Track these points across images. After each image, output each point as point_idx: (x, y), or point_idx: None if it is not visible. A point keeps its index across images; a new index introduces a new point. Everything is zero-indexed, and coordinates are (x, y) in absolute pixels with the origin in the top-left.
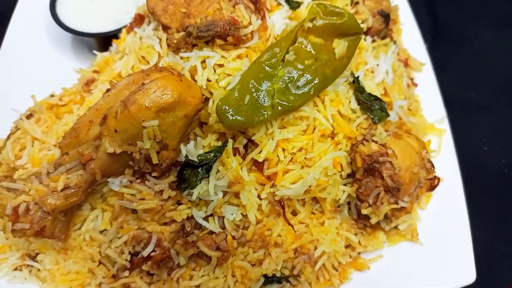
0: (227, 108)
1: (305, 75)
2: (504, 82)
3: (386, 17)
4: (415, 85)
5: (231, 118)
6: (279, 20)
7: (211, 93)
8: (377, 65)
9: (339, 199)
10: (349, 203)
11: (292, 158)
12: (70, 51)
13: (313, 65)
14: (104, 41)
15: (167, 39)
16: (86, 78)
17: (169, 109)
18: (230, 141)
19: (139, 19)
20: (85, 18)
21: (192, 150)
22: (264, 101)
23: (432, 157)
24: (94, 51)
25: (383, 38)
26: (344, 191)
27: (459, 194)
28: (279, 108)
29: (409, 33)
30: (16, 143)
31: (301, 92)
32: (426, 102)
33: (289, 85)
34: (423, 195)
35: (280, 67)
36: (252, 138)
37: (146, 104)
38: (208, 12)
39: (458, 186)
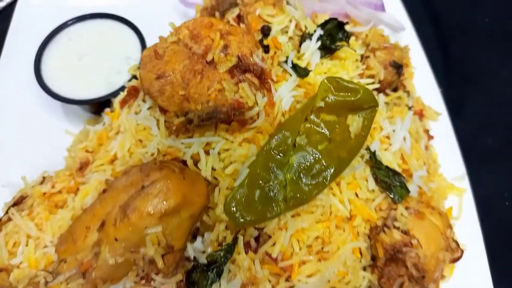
0: (236, 208)
1: (319, 162)
2: None
3: (398, 68)
4: (431, 137)
5: (241, 219)
6: (287, 93)
7: (216, 178)
8: (393, 130)
9: (360, 285)
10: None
11: (307, 249)
12: (61, 110)
13: (326, 149)
14: (97, 103)
15: (165, 121)
16: (79, 160)
17: (173, 213)
18: (241, 238)
19: (133, 92)
20: (74, 81)
21: (199, 248)
22: (276, 195)
23: (454, 224)
24: (87, 126)
25: (395, 89)
26: (364, 277)
27: (483, 261)
28: (292, 202)
29: (422, 76)
30: (9, 237)
31: (315, 181)
32: (443, 157)
33: (301, 174)
34: (446, 267)
35: (291, 153)
36: (264, 231)
37: (148, 211)
38: (209, 96)
39: (481, 253)
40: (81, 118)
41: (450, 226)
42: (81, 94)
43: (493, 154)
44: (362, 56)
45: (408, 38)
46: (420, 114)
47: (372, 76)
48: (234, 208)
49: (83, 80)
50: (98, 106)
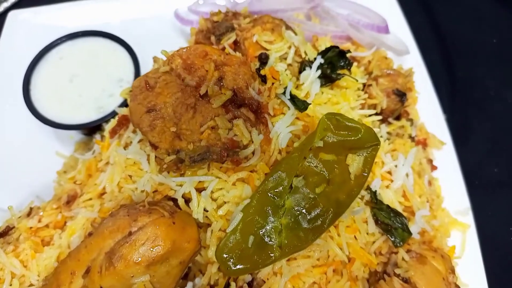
0: (228, 256)
1: (316, 206)
2: None
3: (402, 96)
4: (435, 168)
5: (233, 268)
6: (284, 129)
7: (207, 217)
8: (395, 166)
9: None
10: None
11: None
12: (51, 131)
13: (325, 192)
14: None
15: (156, 156)
16: (66, 194)
17: (162, 260)
18: (233, 285)
19: (123, 122)
20: (64, 103)
21: None
22: (270, 240)
23: (457, 264)
24: (75, 154)
25: (397, 117)
26: None
27: None
28: (288, 248)
29: (426, 101)
30: None
31: (312, 226)
32: (447, 188)
33: (298, 218)
34: None
35: (287, 196)
36: (258, 275)
37: (135, 260)
38: (201, 134)
39: None
40: (73, 139)
41: (452, 270)
42: (71, 118)
43: (498, 184)
44: (364, 84)
45: (412, 61)
46: (424, 143)
47: (374, 106)
48: (226, 256)
49: (73, 103)
50: (89, 128)
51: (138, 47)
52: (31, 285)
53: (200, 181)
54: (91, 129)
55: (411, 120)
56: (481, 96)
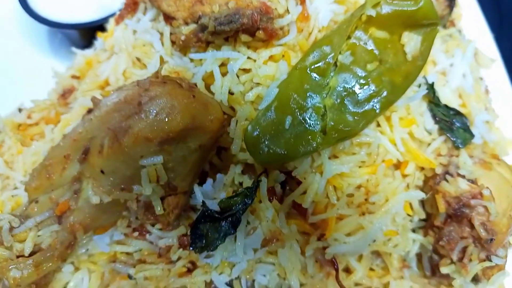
0: (260, 136)
1: (367, 85)
2: None
3: (451, 0)
4: None
5: (266, 151)
6: (325, 6)
7: (233, 109)
8: (451, 65)
9: (408, 251)
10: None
11: (347, 199)
12: (46, 44)
13: (377, 70)
14: (88, 32)
15: (171, 33)
16: (62, 86)
17: (178, 139)
18: (264, 180)
19: (132, 6)
20: (63, 3)
21: (209, 192)
22: (312, 124)
23: None
24: (74, 49)
25: (444, 26)
26: (414, 240)
27: None
28: (333, 134)
29: (470, 17)
30: None
31: (362, 110)
32: (498, 109)
33: (345, 100)
34: None
35: (332, 74)
36: (293, 174)
37: (145, 134)
38: None
39: None
40: (71, 54)
41: None
42: (70, 18)
43: None
44: None
45: None
46: None
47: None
48: (258, 136)
49: (74, 3)
50: (91, 37)
51: None
52: (16, 188)
53: (223, 64)
54: (92, 35)
55: (459, 31)
56: None
